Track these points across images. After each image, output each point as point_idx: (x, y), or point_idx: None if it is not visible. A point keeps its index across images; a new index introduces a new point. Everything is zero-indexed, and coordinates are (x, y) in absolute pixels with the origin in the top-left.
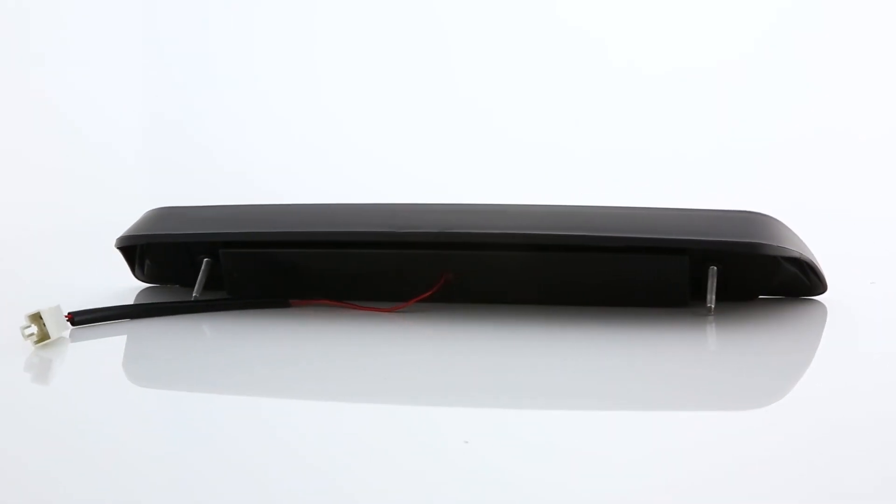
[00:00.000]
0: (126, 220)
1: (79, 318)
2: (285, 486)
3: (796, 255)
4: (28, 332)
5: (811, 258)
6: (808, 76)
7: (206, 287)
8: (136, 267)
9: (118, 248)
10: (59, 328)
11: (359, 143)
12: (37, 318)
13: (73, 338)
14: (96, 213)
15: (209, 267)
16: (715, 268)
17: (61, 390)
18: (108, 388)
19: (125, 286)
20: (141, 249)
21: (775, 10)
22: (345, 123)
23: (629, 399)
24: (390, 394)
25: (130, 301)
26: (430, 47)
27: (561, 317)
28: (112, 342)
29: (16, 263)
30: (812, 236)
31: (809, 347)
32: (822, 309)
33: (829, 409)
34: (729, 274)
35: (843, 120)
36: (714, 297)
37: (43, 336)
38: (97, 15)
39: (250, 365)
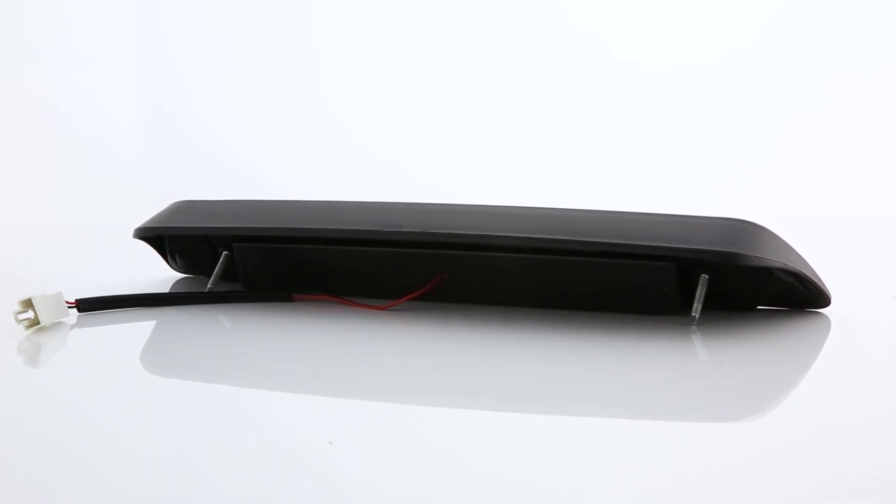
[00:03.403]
0: (145, 215)
1: (84, 306)
2: (275, 480)
3: (779, 265)
4: (22, 316)
5: (801, 269)
6: (808, 75)
7: (231, 280)
8: (169, 258)
9: (136, 238)
10: (54, 315)
11: (359, 137)
12: (29, 303)
13: (78, 324)
14: (117, 210)
15: (227, 260)
16: (706, 276)
17: (39, 375)
18: (92, 375)
19: (162, 276)
20: (169, 241)
21: (768, 13)
22: (345, 117)
23: (611, 404)
24: (379, 392)
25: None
26: (431, 45)
27: (554, 320)
28: (111, 330)
29: (43, 257)
30: (827, 247)
31: (797, 361)
32: (824, 322)
33: (812, 419)
34: (724, 283)
35: (855, 124)
36: (700, 306)
37: (34, 321)
38: (96, 13)
39: (243, 358)
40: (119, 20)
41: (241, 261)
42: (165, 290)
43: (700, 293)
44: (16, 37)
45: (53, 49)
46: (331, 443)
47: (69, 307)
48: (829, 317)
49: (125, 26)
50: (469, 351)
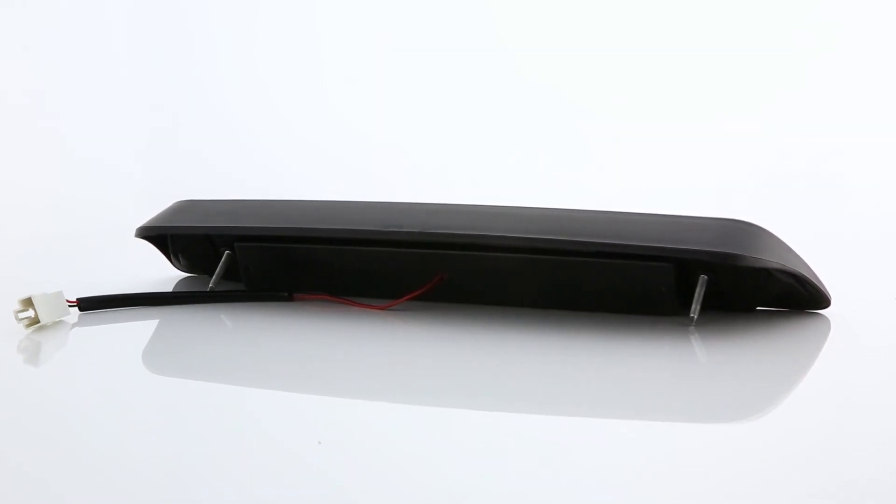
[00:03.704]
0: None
1: (84, 305)
2: (275, 479)
3: (778, 266)
4: (22, 315)
5: (800, 270)
6: (807, 75)
7: (233, 279)
8: (172, 257)
9: (138, 237)
10: (55, 313)
11: (360, 137)
12: (29, 302)
13: (79, 323)
14: (119, 210)
15: (229, 259)
16: (705, 277)
17: (39, 374)
18: (92, 373)
19: (165, 276)
20: (172, 241)
21: (768, 12)
22: (345, 117)
23: (610, 404)
24: (379, 392)
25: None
26: (430, 44)
27: (553, 321)
28: (111, 329)
29: (45, 257)
30: (826, 248)
31: (797, 361)
32: (824, 323)
33: (811, 420)
34: (722, 284)
35: (855, 124)
36: (699, 307)
37: (34, 320)
38: (97, 11)
39: (245, 357)
40: (120, 18)
41: (243, 260)
42: (168, 289)
43: (699, 294)
44: (15, 36)
45: (54, 48)
46: (319, 443)
47: (70, 306)
48: (829, 318)
49: (125, 25)
50: (469, 351)
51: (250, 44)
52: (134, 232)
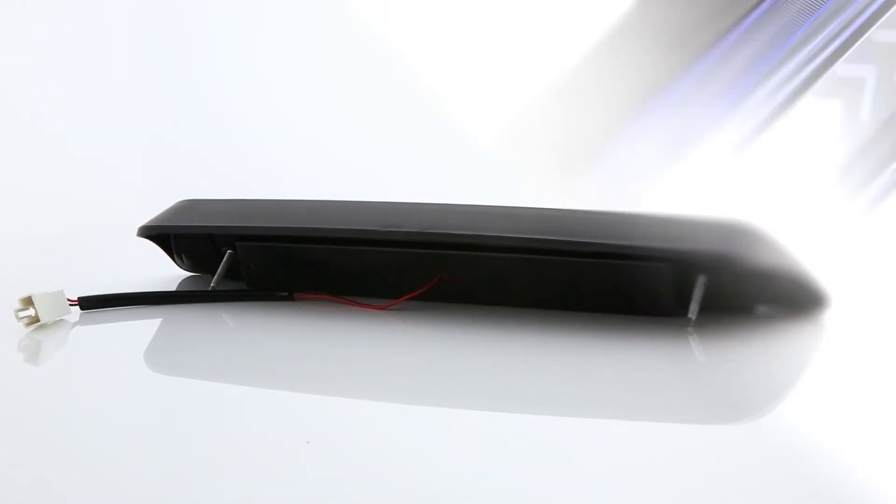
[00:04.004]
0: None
1: (85, 303)
2: (275, 478)
3: (777, 267)
4: (23, 314)
5: (800, 271)
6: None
7: (237, 278)
8: (175, 257)
9: (140, 236)
10: (55, 312)
11: (360, 137)
12: (29, 301)
13: (80, 322)
14: (121, 209)
15: (231, 259)
16: (703, 278)
17: (39, 373)
18: (93, 372)
19: (168, 275)
20: (175, 240)
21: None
22: (346, 116)
23: (608, 405)
24: (379, 391)
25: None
26: (430, 45)
27: (552, 321)
28: (112, 328)
29: (47, 257)
30: (826, 249)
31: (796, 363)
32: (824, 324)
33: (811, 422)
34: (721, 285)
35: (853, 123)
36: (697, 307)
37: (35, 319)
38: (97, 10)
39: (246, 357)
40: (120, 19)
41: (245, 259)
42: (169, 288)
43: (697, 295)
44: (15, 36)
45: (54, 48)
46: (308, 442)
47: (71, 304)
48: (829, 319)
49: (125, 25)
50: (469, 351)
51: (250, 44)
52: (136, 231)
